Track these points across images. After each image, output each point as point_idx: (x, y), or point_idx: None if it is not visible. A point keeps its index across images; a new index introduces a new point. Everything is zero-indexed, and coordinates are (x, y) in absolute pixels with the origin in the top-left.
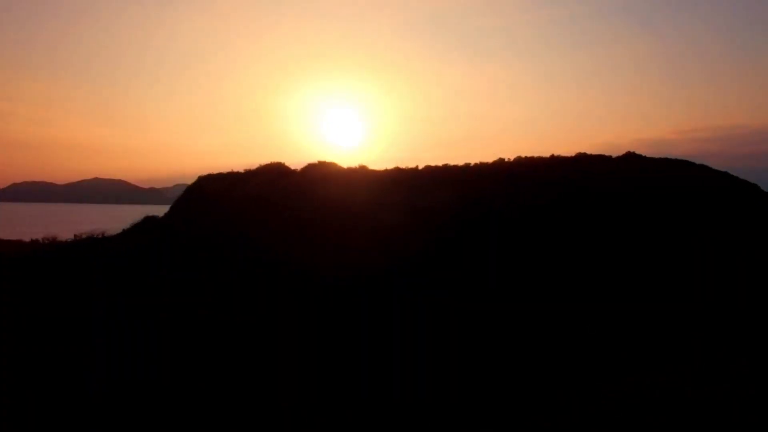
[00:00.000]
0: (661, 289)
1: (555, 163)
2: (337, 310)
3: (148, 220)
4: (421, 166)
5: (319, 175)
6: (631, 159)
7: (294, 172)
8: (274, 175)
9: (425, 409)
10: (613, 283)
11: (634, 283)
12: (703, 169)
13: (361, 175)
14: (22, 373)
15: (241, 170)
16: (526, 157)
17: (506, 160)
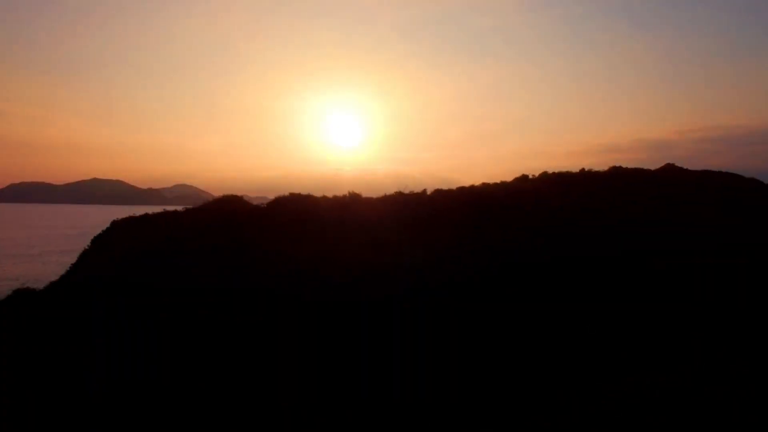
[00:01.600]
0: (661, 289)
1: (587, 181)
2: (336, 310)
3: (20, 296)
4: (429, 190)
5: (290, 214)
6: (670, 174)
7: (257, 210)
8: (225, 216)
9: (425, 409)
10: (614, 283)
11: (634, 283)
12: (753, 184)
13: (348, 213)
14: (22, 373)
15: (180, 208)
16: (553, 173)
17: (530, 177)
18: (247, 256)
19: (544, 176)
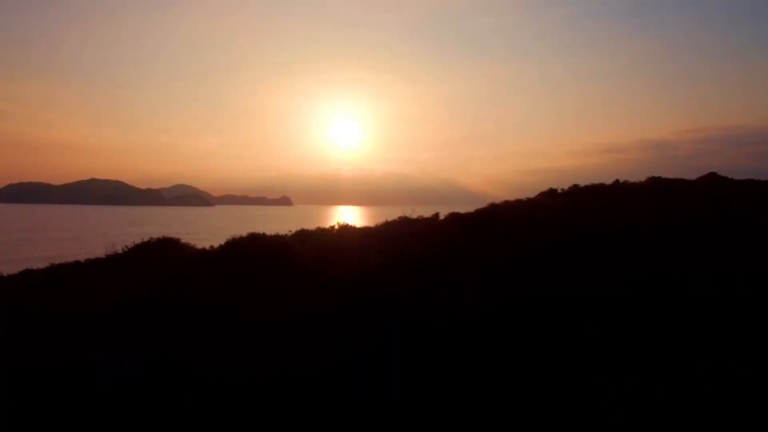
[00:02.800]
0: (661, 289)
1: (622, 193)
2: (336, 309)
3: None
4: (442, 214)
5: (250, 264)
6: (713, 183)
7: (204, 257)
8: (149, 266)
9: (425, 409)
10: (614, 284)
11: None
12: None
13: (334, 255)
14: (23, 372)
15: (76, 259)
16: (584, 186)
17: (559, 191)
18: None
19: (574, 189)
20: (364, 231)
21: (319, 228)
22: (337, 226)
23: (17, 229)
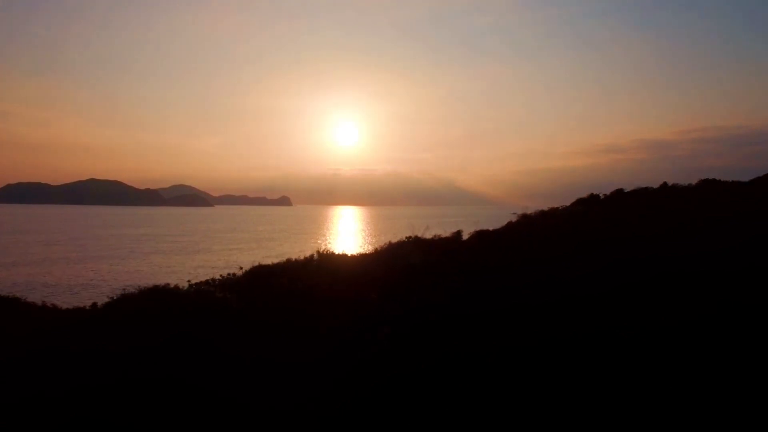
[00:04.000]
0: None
1: (671, 198)
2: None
3: None
4: (465, 234)
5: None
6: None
7: (57, 331)
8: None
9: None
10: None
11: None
12: None
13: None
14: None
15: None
16: (629, 192)
17: (601, 197)
18: None
19: (618, 195)
20: (358, 263)
21: (289, 260)
22: (316, 256)
23: (10, 230)
